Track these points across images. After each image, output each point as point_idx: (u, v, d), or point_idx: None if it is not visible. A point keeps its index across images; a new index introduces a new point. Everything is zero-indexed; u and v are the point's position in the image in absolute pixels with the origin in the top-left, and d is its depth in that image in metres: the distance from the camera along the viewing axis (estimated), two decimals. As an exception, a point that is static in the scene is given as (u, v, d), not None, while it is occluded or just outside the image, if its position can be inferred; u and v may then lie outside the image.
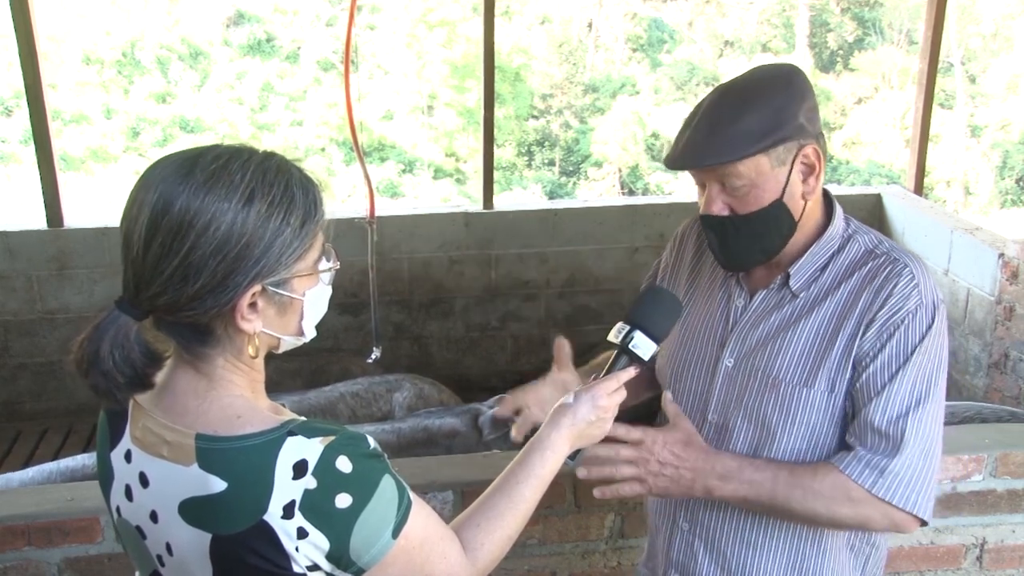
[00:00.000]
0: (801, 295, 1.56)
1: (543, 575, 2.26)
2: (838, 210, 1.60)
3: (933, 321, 1.48)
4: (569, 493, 2.20)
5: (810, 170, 1.51)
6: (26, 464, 4.01)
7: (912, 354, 1.47)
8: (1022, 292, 3.87)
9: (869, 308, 1.50)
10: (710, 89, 1.59)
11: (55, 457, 4.11)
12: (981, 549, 2.38)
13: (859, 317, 1.50)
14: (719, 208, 1.52)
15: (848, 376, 1.51)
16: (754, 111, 1.46)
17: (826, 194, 1.60)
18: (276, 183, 1.13)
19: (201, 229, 1.09)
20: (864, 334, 1.49)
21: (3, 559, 2.04)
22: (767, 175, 1.48)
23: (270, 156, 1.16)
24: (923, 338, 1.47)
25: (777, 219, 1.51)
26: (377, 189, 4.63)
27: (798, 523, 1.57)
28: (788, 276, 1.57)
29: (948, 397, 4.29)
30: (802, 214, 1.53)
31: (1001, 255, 3.92)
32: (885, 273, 1.51)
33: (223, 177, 1.11)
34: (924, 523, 1.50)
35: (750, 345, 1.59)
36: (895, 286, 1.49)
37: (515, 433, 1.62)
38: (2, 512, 2.06)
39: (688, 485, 1.55)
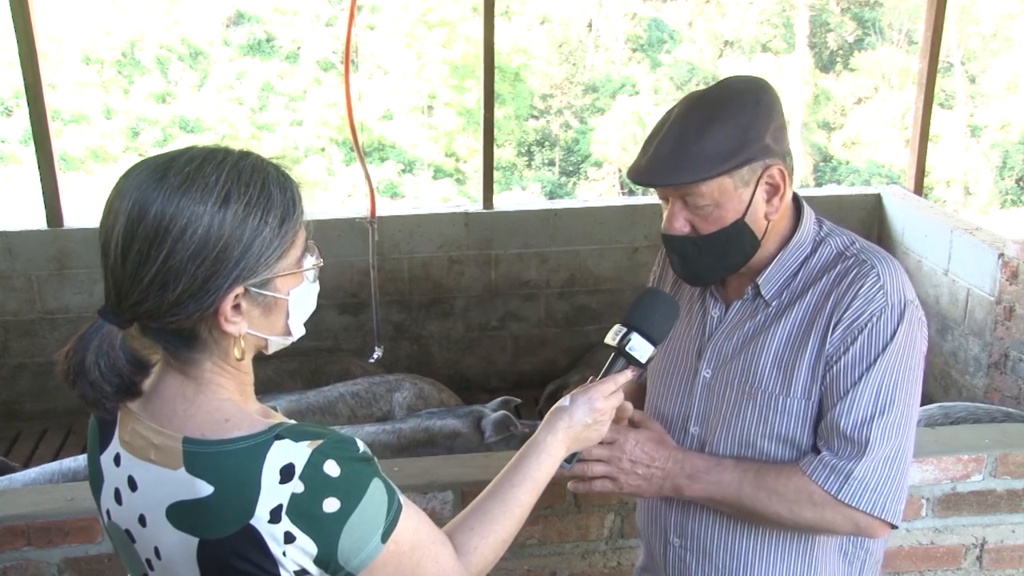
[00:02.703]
0: (774, 303, 1.56)
1: (543, 575, 2.26)
2: (807, 215, 1.58)
3: (900, 323, 1.46)
4: (569, 493, 2.20)
5: (774, 190, 1.50)
6: (26, 464, 4.00)
7: (878, 358, 1.46)
8: (1022, 292, 3.87)
9: (835, 310, 1.48)
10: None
11: (55, 457, 4.11)
12: (981, 549, 2.38)
13: (827, 320, 1.49)
14: (680, 225, 1.51)
15: (820, 381, 1.50)
16: (720, 129, 1.44)
17: (796, 200, 1.58)
18: (252, 183, 1.11)
19: (178, 234, 1.07)
20: (831, 336, 1.48)
21: (3, 559, 2.04)
22: (730, 195, 1.47)
23: (245, 156, 1.14)
24: (889, 341, 1.46)
25: (739, 238, 1.50)
26: (377, 189, 4.63)
27: (771, 527, 1.57)
28: (758, 287, 1.56)
29: (948, 397, 4.30)
30: (765, 232, 1.52)
31: (1001, 255, 3.92)
32: (852, 274, 1.50)
33: (198, 180, 1.09)
34: (894, 527, 1.49)
35: (726, 355, 1.59)
36: (860, 288, 1.48)
37: None
38: (2, 512, 2.06)
39: (659, 484, 1.56)
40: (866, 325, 1.46)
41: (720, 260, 1.53)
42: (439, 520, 2.07)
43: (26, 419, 4.49)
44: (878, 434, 1.45)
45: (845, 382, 1.47)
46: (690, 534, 1.65)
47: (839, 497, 1.46)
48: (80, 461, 3.38)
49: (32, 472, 3.34)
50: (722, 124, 1.45)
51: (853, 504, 1.46)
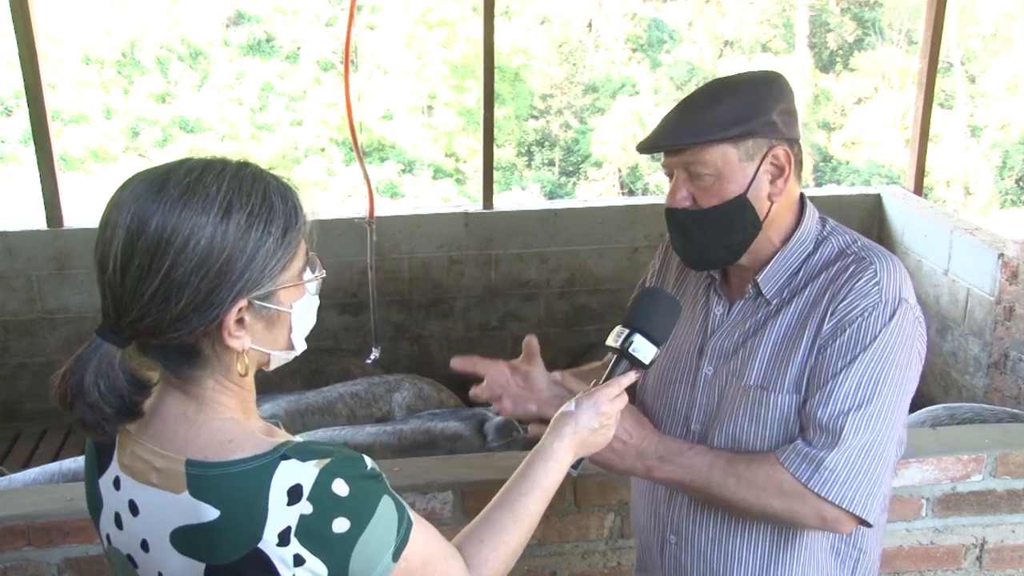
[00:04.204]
0: (775, 301, 1.56)
1: (543, 575, 2.26)
2: (810, 213, 1.58)
3: (891, 320, 1.45)
4: (569, 493, 2.20)
5: (779, 171, 1.51)
6: (26, 464, 4.00)
7: (863, 351, 1.45)
8: (1022, 292, 3.87)
9: (830, 304, 1.49)
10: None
11: (55, 457, 4.11)
12: (981, 549, 2.39)
13: (821, 314, 1.49)
14: (683, 196, 1.52)
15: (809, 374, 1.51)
16: (727, 102, 1.48)
17: (801, 198, 1.59)
18: (254, 192, 1.09)
19: (180, 246, 1.05)
20: (823, 329, 1.48)
21: (3, 559, 2.04)
22: (734, 167, 1.48)
23: (244, 166, 1.12)
24: (877, 336, 1.45)
25: (740, 214, 1.50)
26: (377, 189, 4.62)
27: (739, 515, 1.56)
28: (759, 285, 1.56)
29: (948, 398, 4.30)
30: (767, 215, 1.52)
31: (1001, 255, 3.92)
32: (850, 270, 1.50)
33: (198, 190, 1.07)
34: (867, 524, 1.47)
35: (726, 353, 1.59)
36: (856, 282, 1.48)
37: (473, 392, 1.68)
38: (2, 512, 2.06)
39: (631, 462, 1.55)
40: (856, 318, 1.46)
41: (720, 237, 1.52)
42: (439, 520, 2.08)
43: (26, 419, 4.49)
44: (853, 425, 1.44)
45: (827, 372, 1.47)
46: (686, 532, 1.65)
47: (808, 485, 1.44)
48: (80, 462, 3.38)
49: (32, 472, 3.34)
50: (729, 98, 1.49)
51: (822, 494, 1.44)
